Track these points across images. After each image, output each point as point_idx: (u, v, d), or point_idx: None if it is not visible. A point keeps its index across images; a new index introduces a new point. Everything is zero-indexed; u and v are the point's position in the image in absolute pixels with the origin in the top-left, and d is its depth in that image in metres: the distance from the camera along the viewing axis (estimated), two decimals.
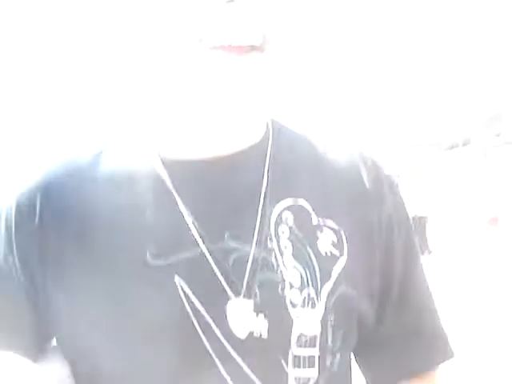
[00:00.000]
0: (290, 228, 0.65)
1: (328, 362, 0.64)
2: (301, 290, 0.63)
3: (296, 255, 0.64)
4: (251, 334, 0.61)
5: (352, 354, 0.73)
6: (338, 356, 0.65)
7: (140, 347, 0.61)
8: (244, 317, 0.61)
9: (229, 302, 0.61)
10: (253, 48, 0.58)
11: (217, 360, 0.60)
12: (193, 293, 0.61)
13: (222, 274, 0.62)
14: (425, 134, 10.54)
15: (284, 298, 0.62)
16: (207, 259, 0.62)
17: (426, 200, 10.31)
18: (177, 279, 0.61)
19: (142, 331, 0.61)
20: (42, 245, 0.63)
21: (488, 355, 4.10)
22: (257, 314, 0.61)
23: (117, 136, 0.71)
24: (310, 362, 0.63)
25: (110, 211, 0.64)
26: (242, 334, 0.61)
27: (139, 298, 0.61)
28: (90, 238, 0.63)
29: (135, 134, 0.70)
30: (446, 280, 7.30)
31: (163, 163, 0.65)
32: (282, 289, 0.63)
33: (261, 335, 0.61)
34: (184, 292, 0.61)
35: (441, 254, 9.56)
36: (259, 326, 0.61)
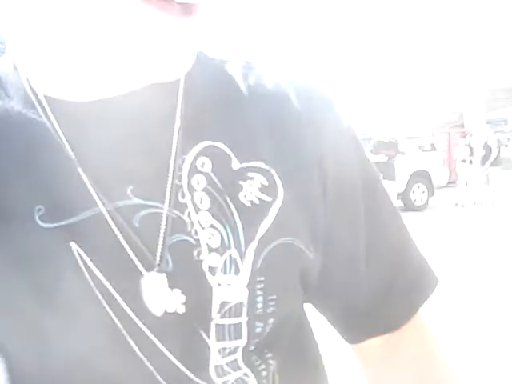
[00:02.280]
0: (207, 176, 0.54)
1: (258, 330, 0.55)
2: (221, 252, 0.53)
3: (214, 211, 0.54)
4: (166, 310, 0.52)
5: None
6: (270, 321, 0.56)
7: (41, 323, 0.51)
8: (158, 293, 0.52)
9: (141, 279, 0.52)
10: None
11: (130, 340, 0.52)
12: (95, 264, 0.51)
13: (127, 242, 0.51)
14: None
15: (201, 263, 0.53)
16: (107, 221, 0.51)
17: None
18: (73, 246, 0.51)
19: (38, 305, 0.51)
20: None
21: None
22: (171, 289, 0.52)
23: None
24: (236, 331, 0.54)
25: None
26: (157, 311, 0.52)
27: (32, 266, 0.51)
28: None
29: (8, 66, 0.56)
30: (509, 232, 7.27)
31: (49, 105, 0.53)
32: (199, 253, 0.53)
33: (176, 311, 0.52)
34: (84, 262, 0.51)
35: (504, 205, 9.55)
36: (175, 301, 0.52)
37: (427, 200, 11.98)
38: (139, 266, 0.51)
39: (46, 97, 0.53)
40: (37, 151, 0.53)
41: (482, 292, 5.00)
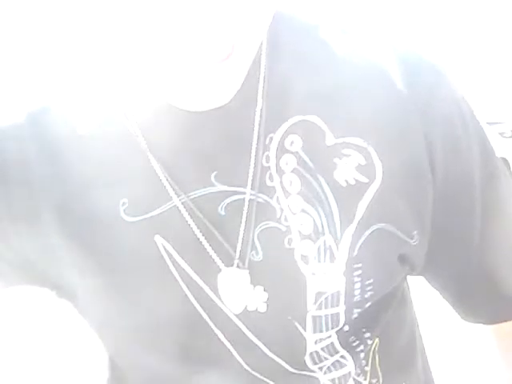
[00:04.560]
0: (297, 155, 0.49)
1: (355, 315, 0.51)
2: (314, 239, 0.48)
3: (305, 194, 0.49)
4: (246, 308, 0.49)
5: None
6: (367, 305, 0.51)
7: (128, 316, 0.51)
8: (238, 290, 0.49)
9: (219, 275, 0.49)
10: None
11: (219, 332, 0.50)
12: (181, 256, 0.49)
13: (204, 235, 0.49)
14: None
15: (292, 252, 0.48)
16: (182, 214, 0.49)
17: None
18: (158, 239, 0.49)
19: (126, 298, 0.51)
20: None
21: None
22: (254, 286, 0.49)
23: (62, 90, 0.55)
24: (333, 321, 0.50)
25: (77, 167, 0.51)
26: (236, 308, 0.49)
27: (120, 256, 0.50)
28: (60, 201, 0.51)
29: (93, 85, 0.54)
30: None
31: (131, 112, 0.51)
32: (290, 241, 0.48)
33: (257, 309, 0.49)
34: (169, 254, 0.49)
35: None
36: (256, 298, 0.49)
37: None
38: (217, 260, 0.49)
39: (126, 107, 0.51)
40: (117, 149, 0.51)
41: None
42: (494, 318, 0.61)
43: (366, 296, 0.51)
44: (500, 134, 11.86)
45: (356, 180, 0.50)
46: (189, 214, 0.49)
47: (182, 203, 0.49)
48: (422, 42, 0.56)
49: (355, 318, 0.51)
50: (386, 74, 0.52)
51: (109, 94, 0.52)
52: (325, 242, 0.49)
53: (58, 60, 0.58)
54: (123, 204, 0.49)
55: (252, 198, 0.48)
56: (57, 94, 0.53)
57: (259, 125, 0.49)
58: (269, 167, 0.49)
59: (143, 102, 0.50)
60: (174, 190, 0.49)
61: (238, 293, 0.48)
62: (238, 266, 0.48)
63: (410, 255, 0.53)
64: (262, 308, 0.49)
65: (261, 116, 0.50)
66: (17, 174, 0.51)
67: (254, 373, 0.51)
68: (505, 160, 11.45)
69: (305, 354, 0.50)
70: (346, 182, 0.49)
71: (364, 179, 0.50)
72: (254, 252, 0.48)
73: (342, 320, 0.50)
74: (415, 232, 0.52)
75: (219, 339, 0.50)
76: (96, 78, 0.53)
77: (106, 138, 0.51)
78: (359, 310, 0.51)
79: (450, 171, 0.53)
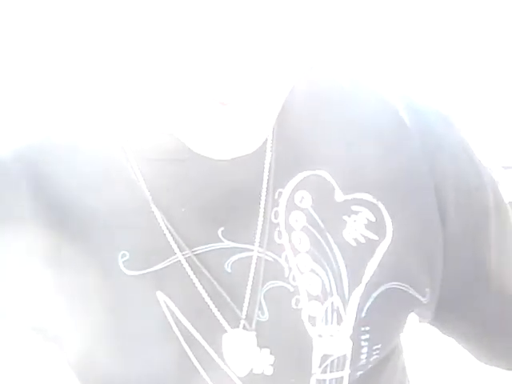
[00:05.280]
0: (307, 212, 0.48)
1: (357, 377, 0.50)
2: (322, 300, 0.47)
3: (314, 253, 0.47)
4: (252, 370, 0.47)
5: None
6: (370, 366, 0.50)
7: (128, 373, 0.49)
8: (243, 352, 0.47)
9: (224, 336, 0.47)
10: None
11: None
12: (183, 315, 0.47)
13: (209, 294, 0.47)
14: None
15: (300, 313, 0.47)
16: (186, 271, 0.47)
17: None
18: (160, 295, 0.47)
19: (125, 355, 0.48)
20: None
21: None
22: (260, 348, 0.47)
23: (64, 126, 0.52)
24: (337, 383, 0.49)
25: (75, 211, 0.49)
26: (241, 372, 0.47)
27: (118, 308, 0.48)
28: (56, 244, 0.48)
29: (92, 123, 0.52)
30: None
31: (135, 159, 0.49)
32: (297, 301, 0.47)
33: (264, 372, 0.47)
34: (171, 312, 0.47)
35: None
36: (263, 361, 0.47)
37: None
38: (222, 321, 0.47)
39: (129, 151, 0.49)
40: (118, 196, 0.49)
41: None
42: None
43: (371, 359, 0.49)
44: None
45: (366, 238, 0.48)
46: (193, 270, 0.47)
47: (186, 259, 0.47)
48: (433, 91, 0.55)
49: (357, 379, 0.50)
50: (397, 125, 0.50)
51: (109, 135, 0.50)
52: (332, 303, 0.47)
53: (55, 95, 0.56)
54: (123, 256, 0.47)
55: (260, 255, 0.47)
56: (56, 129, 0.51)
57: (268, 179, 0.48)
58: (278, 224, 0.48)
59: (148, 148, 0.48)
60: (177, 244, 0.47)
61: (243, 355, 0.47)
62: (244, 328, 0.47)
63: (420, 312, 0.52)
64: (269, 371, 0.47)
65: (269, 170, 0.48)
66: (9, 213, 0.49)
67: None
68: None
69: None
70: (356, 240, 0.48)
71: (374, 237, 0.48)
72: (260, 312, 0.47)
73: (346, 382, 0.49)
74: (427, 289, 0.51)
75: None
76: (95, 115, 0.51)
77: (107, 182, 0.49)
78: (362, 372, 0.50)
79: (461, 223, 0.52)
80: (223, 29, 0.36)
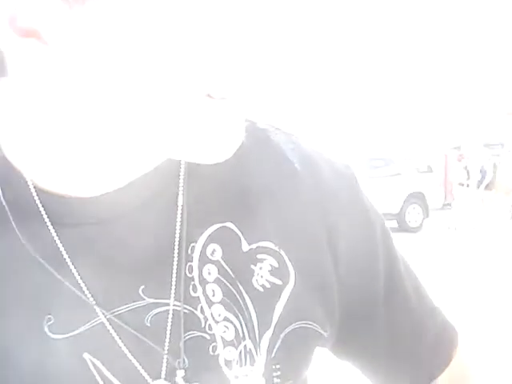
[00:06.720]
0: (218, 264, 0.53)
1: None
2: (236, 345, 0.52)
3: (226, 302, 0.52)
4: None
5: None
6: None
7: None
8: None
9: None
10: None
11: None
12: (111, 373, 0.49)
13: (130, 350, 0.49)
14: None
15: (217, 358, 0.52)
16: (108, 331, 0.49)
17: None
18: (86, 356, 0.49)
19: None
20: None
21: None
22: None
23: None
24: None
25: None
26: None
27: (45, 373, 0.49)
28: None
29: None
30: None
31: (44, 202, 0.50)
32: (214, 348, 0.52)
33: None
34: (99, 370, 0.49)
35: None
36: None
37: (422, 222, 12.02)
38: (144, 374, 0.50)
39: (40, 190, 0.50)
40: (37, 261, 0.49)
41: (474, 314, 5.01)
42: None
43: None
44: (416, 169, 12.31)
45: (271, 283, 0.54)
46: (114, 329, 0.49)
47: (108, 320, 0.49)
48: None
49: None
50: (292, 176, 0.57)
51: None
52: (245, 346, 0.52)
53: None
54: (48, 320, 0.49)
55: (177, 308, 0.51)
56: None
57: (180, 232, 0.52)
58: (192, 278, 0.52)
59: (62, 212, 0.50)
60: (100, 306, 0.49)
61: None
62: (165, 378, 0.50)
63: (325, 344, 0.59)
64: None
65: (181, 223, 0.52)
66: None
67: None
68: (421, 193, 11.89)
69: None
70: (263, 286, 0.54)
71: (279, 282, 0.54)
72: (179, 361, 0.50)
73: None
74: (328, 325, 0.57)
75: None
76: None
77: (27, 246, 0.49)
78: None
79: (351, 263, 0.59)
80: (214, 25, 0.42)
